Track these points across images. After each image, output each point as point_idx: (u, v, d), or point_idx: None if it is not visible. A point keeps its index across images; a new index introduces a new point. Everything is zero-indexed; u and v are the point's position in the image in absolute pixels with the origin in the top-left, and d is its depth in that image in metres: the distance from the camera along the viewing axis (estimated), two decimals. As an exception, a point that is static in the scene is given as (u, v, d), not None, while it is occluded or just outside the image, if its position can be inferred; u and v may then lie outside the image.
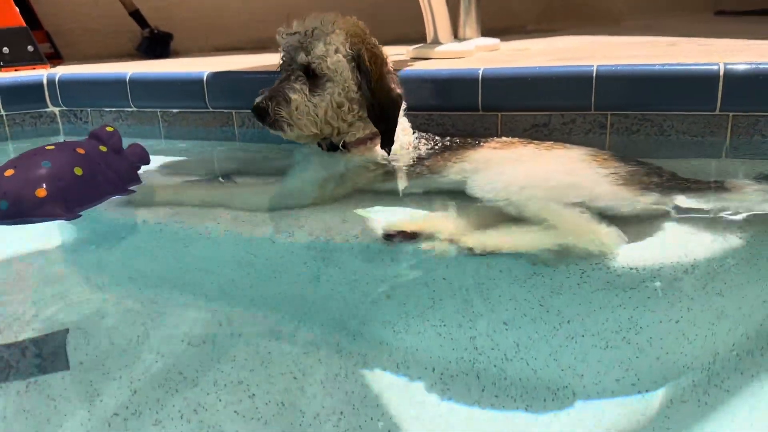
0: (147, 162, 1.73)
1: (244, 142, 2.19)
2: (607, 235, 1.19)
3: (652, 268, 1.15)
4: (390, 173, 1.62)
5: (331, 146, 1.66)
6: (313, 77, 1.53)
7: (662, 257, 1.17)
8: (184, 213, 1.58)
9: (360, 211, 1.51)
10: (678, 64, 1.67)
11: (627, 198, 1.31)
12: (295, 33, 1.56)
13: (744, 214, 1.34)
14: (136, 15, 3.61)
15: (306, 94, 1.53)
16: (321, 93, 1.53)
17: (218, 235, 1.48)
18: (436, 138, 1.71)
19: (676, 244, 1.22)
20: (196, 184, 1.76)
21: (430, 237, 1.30)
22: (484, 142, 1.64)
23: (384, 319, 1.30)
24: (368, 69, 1.51)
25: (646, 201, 1.31)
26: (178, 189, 1.69)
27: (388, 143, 1.55)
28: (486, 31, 2.70)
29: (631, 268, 1.15)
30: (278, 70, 1.62)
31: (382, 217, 1.45)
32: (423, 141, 1.69)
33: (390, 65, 1.60)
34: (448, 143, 1.67)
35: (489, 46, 2.59)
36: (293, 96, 1.51)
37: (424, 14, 2.35)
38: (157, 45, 3.61)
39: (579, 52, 2.30)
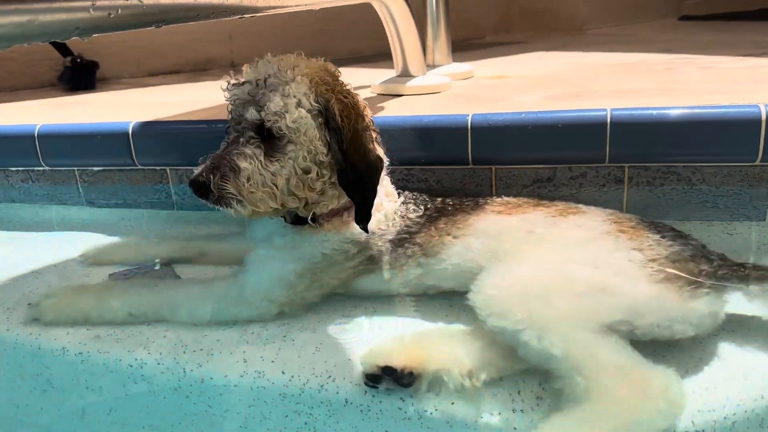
0: None
1: (185, 211, 1.80)
2: (675, 392, 0.89)
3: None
4: (374, 259, 1.27)
5: (296, 219, 1.30)
6: (269, 139, 1.18)
7: (734, 415, 0.90)
8: (106, 337, 1.20)
9: (336, 332, 1.16)
10: (711, 107, 1.39)
11: (676, 307, 1.00)
12: (243, 83, 1.20)
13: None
14: (57, 42, 3.16)
15: (260, 161, 1.17)
16: (281, 158, 1.18)
17: (155, 372, 1.11)
18: (426, 198, 1.37)
19: (748, 387, 0.95)
20: (124, 285, 1.34)
21: (429, 373, 0.97)
22: (485, 203, 1.31)
23: None
24: (339, 126, 1.18)
25: (700, 308, 1.01)
26: (101, 294, 1.29)
27: (364, 218, 1.21)
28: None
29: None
30: (227, 123, 1.27)
31: (365, 341, 1.11)
32: (411, 205, 1.35)
33: (368, 119, 1.25)
34: (441, 205, 1.33)
35: (463, 73, 2.28)
36: (243, 164, 1.16)
37: (390, 43, 2.01)
38: (81, 75, 3.17)
39: (568, 82, 2.01)
